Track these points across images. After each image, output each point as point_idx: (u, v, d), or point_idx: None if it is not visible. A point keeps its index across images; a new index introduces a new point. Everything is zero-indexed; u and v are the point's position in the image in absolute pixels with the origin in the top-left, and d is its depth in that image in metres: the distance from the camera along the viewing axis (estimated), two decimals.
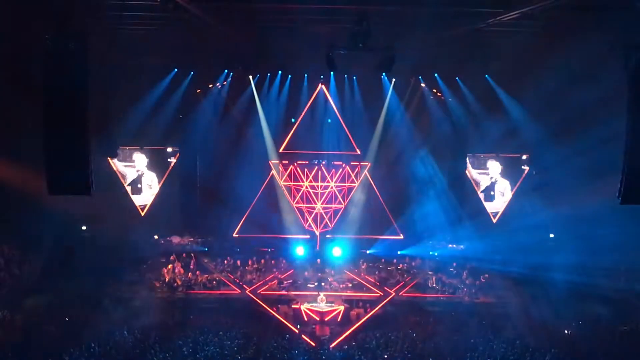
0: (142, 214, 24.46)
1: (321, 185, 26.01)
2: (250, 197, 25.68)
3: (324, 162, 25.78)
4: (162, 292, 21.68)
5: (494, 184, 24.91)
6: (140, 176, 24.42)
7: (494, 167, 24.81)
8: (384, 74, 23.75)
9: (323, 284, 22.29)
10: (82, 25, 14.23)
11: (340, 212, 26.21)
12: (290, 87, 24.46)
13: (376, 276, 23.43)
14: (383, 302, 20.91)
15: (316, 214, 26.19)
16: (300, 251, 25.14)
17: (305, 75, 24.32)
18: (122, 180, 24.12)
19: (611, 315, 19.29)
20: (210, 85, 24.31)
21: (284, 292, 21.71)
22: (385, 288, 22.17)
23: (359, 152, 25.66)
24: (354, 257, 25.21)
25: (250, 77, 24.40)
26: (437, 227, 24.80)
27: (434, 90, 24.23)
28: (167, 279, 22.20)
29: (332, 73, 23.55)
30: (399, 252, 25.34)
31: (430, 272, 23.33)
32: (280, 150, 25.70)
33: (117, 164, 24.00)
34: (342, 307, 20.28)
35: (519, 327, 18.54)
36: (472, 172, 25.02)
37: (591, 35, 16.54)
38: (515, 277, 21.77)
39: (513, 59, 20.30)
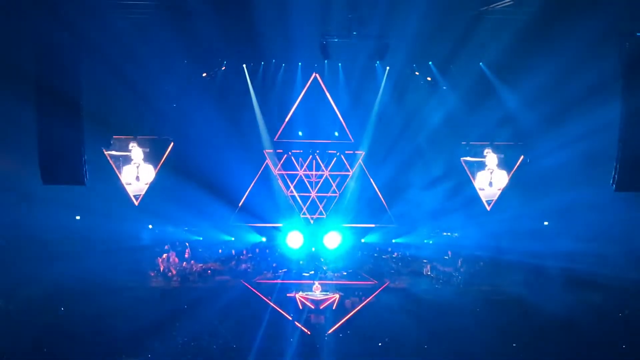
0: (136, 203, 24.37)
1: (315, 174, 25.97)
2: (244, 186, 25.62)
3: (318, 151, 25.72)
4: (156, 281, 21.72)
5: (490, 171, 24.86)
6: (134, 166, 24.30)
7: (490, 154, 24.75)
8: (378, 62, 23.75)
9: (318, 272, 22.34)
10: (74, 15, 14.15)
11: (334, 201, 26.17)
12: (284, 75, 24.36)
13: (371, 265, 23.47)
14: (378, 290, 20.96)
15: (310, 202, 26.15)
16: (294, 240, 25.10)
17: (299, 64, 24.19)
18: (116, 170, 24.00)
19: (606, 302, 19.39)
20: (204, 74, 24.17)
21: (278, 281, 21.77)
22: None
23: (353, 141, 25.59)
24: (349, 246, 25.22)
25: (244, 65, 24.28)
26: (432, 215, 24.80)
27: (428, 79, 24.16)
28: (161, 269, 22.21)
29: (326, 61, 23.54)
30: (393, 241, 25.33)
31: (424, 260, 23.36)
32: (275, 139, 25.61)
33: (110, 154, 23.89)
34: (337, 296, 20.32)
35: (514, 314, 18.64)
36: (466, 160, 24.97)
37: (585, 22, 16.53)
38: (510, 265, 21.84)
39: (507, 47, 20.25)
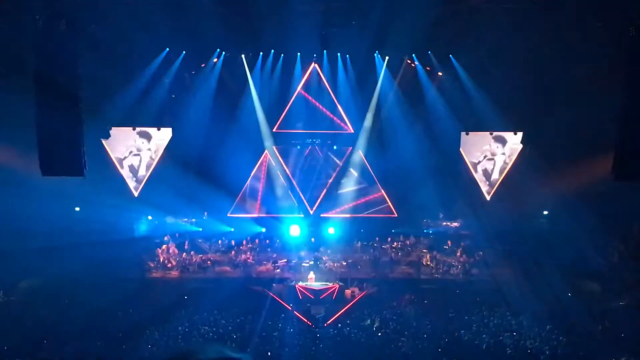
0: (136, 194, 24.40)
1: (315, 165, 25.99)
2: (244, 177, 25.66)
3: (317, 141, 25.75)
4: (156, 272, 21.77)
5: (488, 161, 24.88)
6: (133, 156, 24.31)
7: (488, 144, 24.76)
8: (377, 52, 23.71)
9: (318, 263, 22.38)
10: (72, 5, 14.08)
11: (334, 191, 26.20)
12: (283, 66, 24.29)
13: (370, 255, 23.50)
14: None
15: (310, 193, 26.17)
16: (294, 231, 25.14)
17: (298, 54, 24.13)
18: (115, 161, 24.01)
19: (606, 291, 19.44)
20: (203, 65, 24.12)
21: (278, 272, 21.84)
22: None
23: (352, 131, 25.57)
24: (349, 235, 25.23)
25: (243, 56, 24.23)
26: (432, 205, 24.82)
27: (428, 68, 24.14)
28: (161, 260, 22.26)
29: (325, 52, 23.50)
30: (393, 231, 25.36)
31: (424, 250, 23.41)
32: (274, 130, 25.58)
33: (109, 145, 23.89)
34: (336, 286, 20.35)
35: (513, 303, 18.69)
36: (466, 149, 24.97)
37: (586, 11, 16.49)
38: (509, 254, 21.90)
39: (507, 36, 20.19)
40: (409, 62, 24.25)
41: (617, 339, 16.46)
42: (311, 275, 20.79)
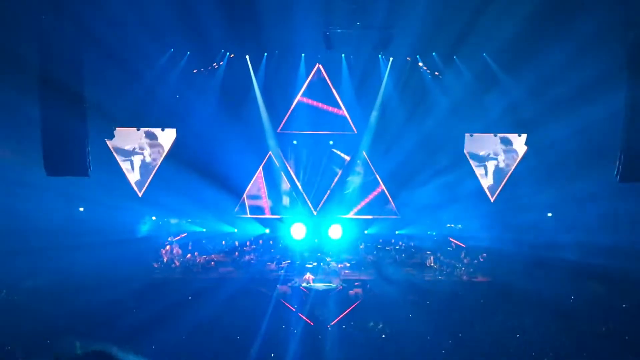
0: (140, 194, 24.43)
1: (319, 166, 25.97)
2: (248, 177, 25.66)
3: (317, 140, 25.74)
4: (160, 272, 21.76)
5: (492, 163, 24.85)
6: (137, 157, 24.34)
7: (493, 146, 24.74)
8: (381, 52, 23.70)
9: (321, 264, 22.35)
10: (77, 6, 14.12)
11: (337, 193, 26.17)
12: (287, 67, 24.37)
13: (374, 256, 23.48)
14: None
15: (314, 193, 26.14)
16: (298, 232, 25.11)
17: (303, 55, 24.15)
18: (119, 161, 24.05)
19: (610, 293, 19.37)
20: (210, 68, 24.14)
21: (281, 272, 21.81)
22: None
23: (356, 132, 25.53)
24: (352, 237, 25.22)
25: (247, 57, 24.25)
26: (435, 207, 24.78)
27: (428, 71, 24.12)
28: (165, 260, 22.24)
29: (329, 52, 23.48)
30: (396, 232, 25.35)
31: (428, 252, 23.35)
32: (278, 130, 25.57)
33: (113, 145, 23.93)
34: (340, 287, 20.32)
35: (516, 305, 18.64)
36: (469, 151, 24.95)
37: (590, 13, 16.46)
38: (513, 256, 21.84)
39: (511, 37, 20.20)
40: (413, 62, 24.23)
41: (622, 341, 16.40)
42: (311, 275, 20.78)
